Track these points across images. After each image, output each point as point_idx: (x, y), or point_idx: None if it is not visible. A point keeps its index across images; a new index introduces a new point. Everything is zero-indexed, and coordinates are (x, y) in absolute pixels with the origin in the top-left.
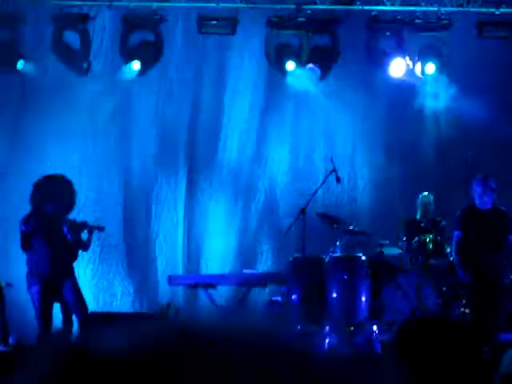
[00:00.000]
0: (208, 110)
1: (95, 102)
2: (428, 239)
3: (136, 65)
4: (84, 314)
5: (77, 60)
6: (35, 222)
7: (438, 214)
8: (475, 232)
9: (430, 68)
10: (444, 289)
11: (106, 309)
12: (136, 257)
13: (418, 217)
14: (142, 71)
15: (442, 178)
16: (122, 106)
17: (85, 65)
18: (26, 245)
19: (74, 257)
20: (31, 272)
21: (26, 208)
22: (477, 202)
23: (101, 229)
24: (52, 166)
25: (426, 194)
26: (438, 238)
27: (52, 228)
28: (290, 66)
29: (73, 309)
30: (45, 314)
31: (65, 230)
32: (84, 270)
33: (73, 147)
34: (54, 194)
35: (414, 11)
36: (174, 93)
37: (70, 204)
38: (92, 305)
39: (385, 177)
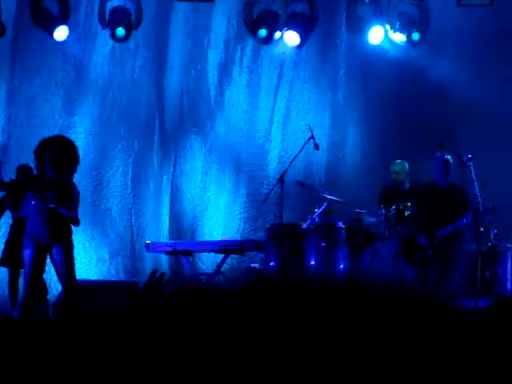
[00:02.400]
0: (192, 79)
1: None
2: (406, 207)
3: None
4: (68, 284)
5: (55, 25)
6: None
7: (415, 181)
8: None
9: (409, 35)
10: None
11: (82, 276)
12: (112, 223)
13: (393, 184)
14: (122, 38)
15: (420, 144)
16: (102, 72)
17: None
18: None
19: (73, 221)
20: (26, 234)
21: None
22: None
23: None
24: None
25: (399, 161)
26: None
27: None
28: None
29: (58, 276)
30: (34, 278)
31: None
32: None
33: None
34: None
35: None
36: (155, 60)
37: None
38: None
39: (363, 144)
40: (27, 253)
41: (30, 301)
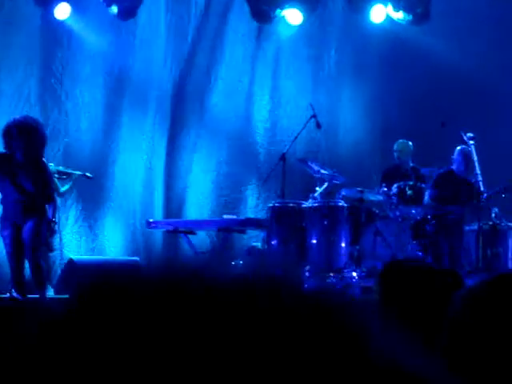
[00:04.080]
0: (193, 62)
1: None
2: (408, 186)
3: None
4: (33, 259)
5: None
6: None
7: (417, 160)
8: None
9: (411, 14)
10: (423, 235)
11: (83, 254)
12: (113, 202)
13: (396, 163)
14: (125, 16)
15: (421, 123)
16: (106, 51)
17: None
18: None
19: (47, 199)
20: (2, 216)
21: None
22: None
23: (88, 177)
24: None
25: (402, 140)
26: (418, 184)
27: (19, 172)
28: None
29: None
30: (17, 256)
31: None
32: (66, 215)
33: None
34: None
35: None
36: (158, 42)
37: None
38: (74, 250)
39: (365, 123)
40: (6, 233)
41: (20, 278)
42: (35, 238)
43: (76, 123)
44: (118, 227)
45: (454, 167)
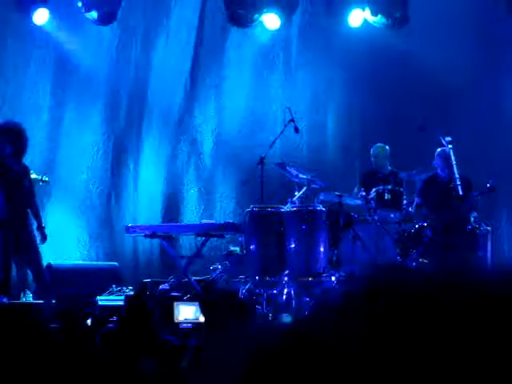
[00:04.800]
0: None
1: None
2: (386, 190)
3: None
4: (37, 266)
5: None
6: None
7: (396, 164)
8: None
9: (388, 18)
10: (402, 240)
11: (62, 259)
12: (92, 206)
13: (374, 168)
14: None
15: (399, 127)
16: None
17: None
18: None
19: (30, 204)
20: None
21: None
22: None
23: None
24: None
25: (379, 144)
26: (396, 188)
27: (8, 174)
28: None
29: (27, 260)
30: (5, 262)
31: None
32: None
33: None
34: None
35: None
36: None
37: (22, 150)
38: (47, 253)
39: (343, 127)
40: None
41: (5, 281)
42: (35, 248)
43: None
44: (95, 231)
45: (438, 171)
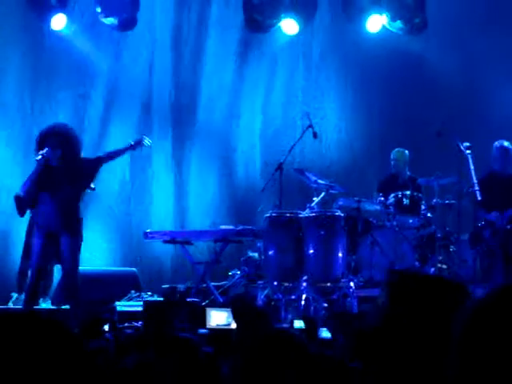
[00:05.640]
0: (186, 70)
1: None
2: (405, 196)
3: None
4: (71, 275)
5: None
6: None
7: (413, 170)
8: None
9: (407, 24)
10: (420, 245)
11: (81, 265)
12: (111, 212)
13: (393, 172)
14: (124, 27)
15: (417, 133)
16: (103, 63)
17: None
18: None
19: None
20: (37, 224)
21: None
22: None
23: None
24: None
25: (399, 149)
26: (415, 194)
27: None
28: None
29: (62, 266)
30: (39, 266)
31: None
32: None
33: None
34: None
35: None
36: (152, 51)
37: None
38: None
39: (362, 133)
40: (36, 242)
41: (35, 288)
42: (77, 255)
43: None
44: (114, 237)
45: (495, 167)
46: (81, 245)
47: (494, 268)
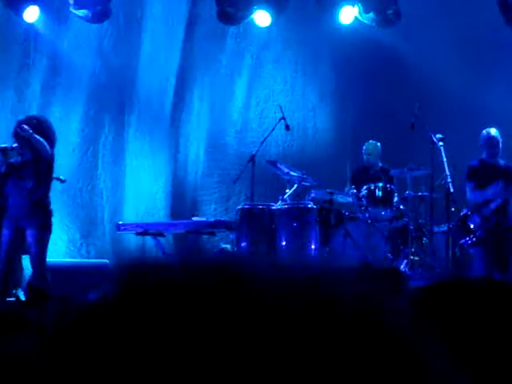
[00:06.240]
0: (162, 64)
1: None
2: (377, 187)
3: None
4: (38, 267)
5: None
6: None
7: (386, 161)
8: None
9: (380, 16)
10: (393, 237)
11: (53, 257)
12: (82, 204)
13: (365, 165)
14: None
15: (390, 124)
16: (71, 51)
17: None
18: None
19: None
20: (7, 215)
21: None
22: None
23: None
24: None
25: (371, 141)
26: (388, 186)
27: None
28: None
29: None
30: (8, 257)
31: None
32: None
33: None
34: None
35: None
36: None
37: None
38: None
39: (334, 125)
40: (5, 232)
41: (3, 280)
42: (44, 247)
43: None
44: (86, 229)
45: (483, 155)
46: (49, 237)
47: (477, 259)
